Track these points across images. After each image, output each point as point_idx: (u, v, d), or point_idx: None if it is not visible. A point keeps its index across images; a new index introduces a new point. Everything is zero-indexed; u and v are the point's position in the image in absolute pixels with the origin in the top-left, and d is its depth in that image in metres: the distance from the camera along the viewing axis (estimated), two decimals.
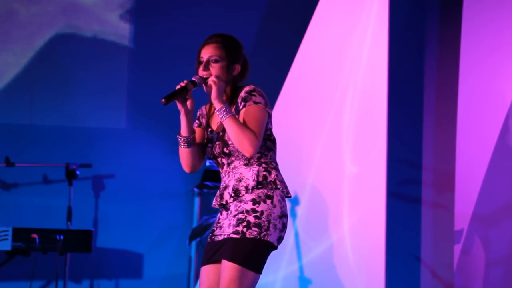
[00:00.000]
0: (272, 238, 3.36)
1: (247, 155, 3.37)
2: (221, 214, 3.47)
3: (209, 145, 3.52)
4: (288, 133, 5.63)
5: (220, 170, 3.52)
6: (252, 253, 3.33)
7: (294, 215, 5.57)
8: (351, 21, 5.41)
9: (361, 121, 5.30)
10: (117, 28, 6.41)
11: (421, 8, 6.12)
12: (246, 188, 3.39)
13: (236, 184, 3.41)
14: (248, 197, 3.39)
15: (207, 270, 3.47)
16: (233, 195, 3.40)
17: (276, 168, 3.46)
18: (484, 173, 5.04)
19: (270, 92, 5.82)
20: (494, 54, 5.07)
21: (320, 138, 5.52)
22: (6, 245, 5.63)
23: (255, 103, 3.43)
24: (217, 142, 3.48)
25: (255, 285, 3.37)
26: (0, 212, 6.16)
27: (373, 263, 5.10)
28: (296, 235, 5.54)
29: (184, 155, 3.51)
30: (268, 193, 3.39)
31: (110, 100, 6.38)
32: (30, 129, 6.29)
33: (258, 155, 3.44)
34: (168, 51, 6.32)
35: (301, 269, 5.52)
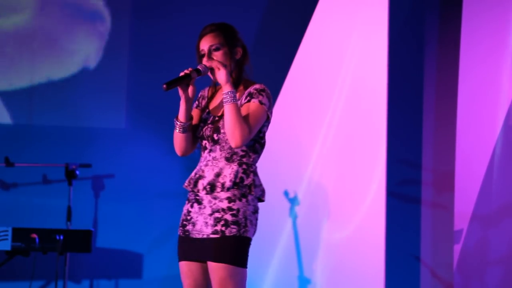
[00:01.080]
0: (250, 233, 3.44)
1: (233, 145, 3.40)
2: (192, 207, 3.49)
3: (201, 124, 3.55)
4: (287, 133, 5.63)
5: (202, 153, 3.54)
6: (235, 250, 3.39)
7: (294, 215, 5.57)
8: (350, 21, 5.41)
9: (361, 121, 5.30)
10: (116, 28, 6.41)
11: (421, 8, 6.12)
12: (223, 185, 3.43)
13: (213, 179, 3.44)
14: (223, 195, 3.43)
15: (189, 266, 3.50)
16: (208, 189, 3.44)
17: (254, 172, 3.49)
18: (484, 173, 5.04)
19: (270, 92, 5.83)
20: (494, 54, 5.06)
21: (319, 138, 5.52)
22: (6, 245, 5.63)
23: (261, 102, 3.46)
24: (209, 125, 3.51)
25: (245, 280, 3.43)
26: (0, 212, 6.16)
27: (373, 263, 5.10)
28: (296, 235, 5.54)
29: (178, 139, 3.54)
30: (243, 193, 3.44)
31: (110, 100, 6.38)
32: (30, 129, 6.29)
33: (243, 153, 3.48)
34: (167, 51, 6.32)
35: (300, 269, 5.51)
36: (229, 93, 3.40)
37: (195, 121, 3.58)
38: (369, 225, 5.15)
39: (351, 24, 5.40)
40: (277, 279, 5.63)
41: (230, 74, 3.47)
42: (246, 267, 3.42)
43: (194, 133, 3.57)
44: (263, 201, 3.52)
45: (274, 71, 5.92)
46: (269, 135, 5.61)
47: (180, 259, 3.52)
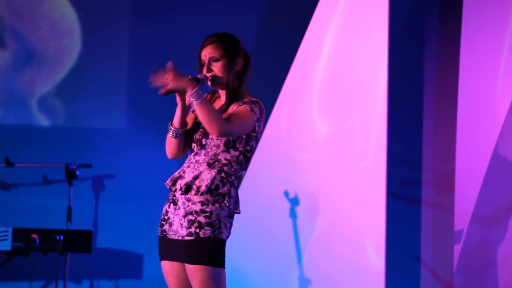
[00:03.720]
0: (224, 235, 3.47)
1: (215, 135, 3.43)
2: (169, 207, 3.56)
3: (194, 127, 3.60)
4: (287, 133, 5.63)
5: (189, 154, 3.60)
6: (210, 251, 3.44)
7: (294, 215, 5.57)
8: (351, 21, 5.41)
9: (361, 121, 5.30)
10: (117, 27, 6.41)
11: (421, 8, 6.11)
12: (198, 188, 3.47)
13: (190, 181, 3.49)
14: (196, 198, 3.47)
15: (170, 264, 3.55)
16: (183, 190, 3.49)
17: (232, 183, 3.52)
18: (484, 173, 5.04)
19: (270, 92, 5.82)
20: (494, 54, 5.06)
21: (319, 138, 5.52)
22: (6, 245, 5.63)
23: (251, 109, 3.51)
24: (200, 129, 3.56)
25: (225, 280, 3.47)
26: (0, 212, 6.16)
27: (373, 263, 5.10)
28: (296, 235, 5.54)
29: (170, 143, 3.60)
30: (216, 200, 3.48)
31: (110, 100, 6.38)
32: (30, 129, 6.29)
33: (225, 162, 3.52)
34: (168, 51, 6.31)
35: (301, 269, 5.51)
36: (193, 93, 3.40)
37: (190, 124, 3.63)
38: (369, 225, 5.15)
39: (351, 24, 5.40)
40: (277, 279, 5.63)
41: (228, 84, 3.52)
42: (224, 267, 3.47)
43: (186, 138, 3.61)
44: (237, 213, 3.55)
45: (274, 71, 5.92)
46: (269, 135, 5.62)
47: (161, 259, 3.58)
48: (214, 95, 3.69)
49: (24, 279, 6.08)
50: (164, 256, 3.57)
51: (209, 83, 3.55)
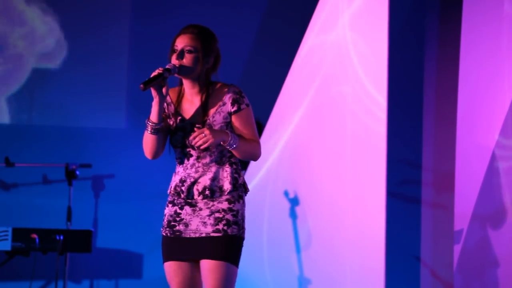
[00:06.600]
0: (244, 235, 3.52)
1: (255, 160, 3.61)
2: (182, 209, 3.51)
3: (179, 133, 3.55)
4: (287, 132, 5.63)
5: (185, 160, 3.55)
6: (234, 249, 3.46)
7: (294, 215, 5.57)
8: (351, 20, 5.40)
9: (361, 120, 5.29)
10: (116, 27, 6.41)
11: (421, 8, 6.11)
12: (221, 189, 3.48)
13: (210, 184, 3.48)
14: (222, 197, 3.48)
15: (178, 264, 3.52)
16: (208, 195, 3.47)
17: (241, 169, 3.58)
18: (484, 173, 5.03)
19: (270, 91, 5.82)
20: (494, 54, 5.06)
21: (319, 138, 5.52)
22: (6, 245, 5.64)
23: (247, 105, 3.53)
24: (191, 134, 3.49)
25: (236, 279, 3.49)
26: (0, 212, 6.17)
27: (373, 263, 5.09)
28: (296, 235, 5.54)
29: (149, 141, 3.57)
30: (240, 194, 3.51)
31: (110, 100, 6.38)
32: (30, 129, 6.29)
33: (230, 154, 3.53)
34: (167, 51, 6.31)
35: (300, 269, 5.51)
36: (229, 142, 3.45)
37: (165, 123, 3.58)
38: (369, 225, 5.15)
39: (351, 24, 5.40)
40: (277, 279, 5.63)
41: (196, 77, 3.51)
42: (238, 267, 3.49)
43: (164, 135, 3.57)
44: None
45: (274, 71, 5.92)
46: (269, 135, 5.62)
47: (168, 259, 3.53)
48: (180, 91, 3.60)
49: (24, 279, 6.08)
50: (173, 256, 3.52)
51: (176, 74, 3.51)
